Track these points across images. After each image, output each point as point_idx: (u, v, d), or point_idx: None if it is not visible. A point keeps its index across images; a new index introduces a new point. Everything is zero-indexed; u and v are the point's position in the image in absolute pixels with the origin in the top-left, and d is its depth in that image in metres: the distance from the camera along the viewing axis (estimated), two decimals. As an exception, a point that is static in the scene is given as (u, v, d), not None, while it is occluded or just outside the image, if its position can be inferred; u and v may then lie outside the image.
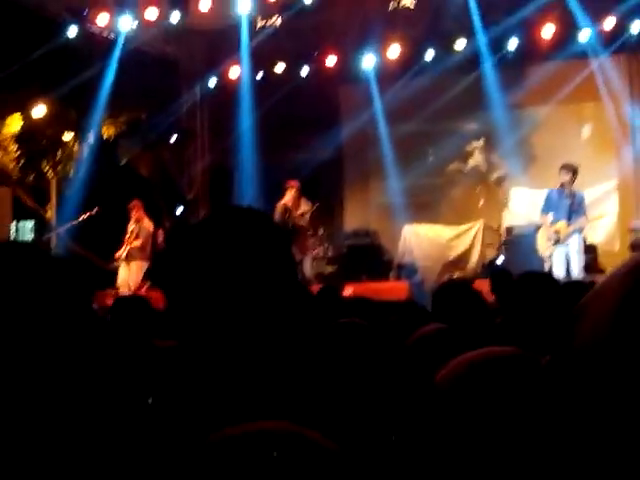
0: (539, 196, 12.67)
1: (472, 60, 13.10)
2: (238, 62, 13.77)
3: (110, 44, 12.73)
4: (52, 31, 12.08)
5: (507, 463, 1.07)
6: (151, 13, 12.22)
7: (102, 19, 12.47)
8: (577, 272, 9.81)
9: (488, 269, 11.20)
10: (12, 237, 12.47)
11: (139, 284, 11.17)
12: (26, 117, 12.81)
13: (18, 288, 1.26)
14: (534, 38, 12.77)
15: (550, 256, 10.04)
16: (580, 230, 10.06)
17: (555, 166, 10.98)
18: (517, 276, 5.02)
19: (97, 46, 12.68)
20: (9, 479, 1.13)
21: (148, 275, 11.26)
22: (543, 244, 10.20)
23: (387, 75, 13.54)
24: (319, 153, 13.65)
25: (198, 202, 14.49)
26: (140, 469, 1.22)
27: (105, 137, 13.62)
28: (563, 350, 0.66)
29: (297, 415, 1.08)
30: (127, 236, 11.63)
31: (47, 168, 13.16)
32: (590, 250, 11.08)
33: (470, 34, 12.75)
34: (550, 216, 10.13)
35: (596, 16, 12.34)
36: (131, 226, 11.70)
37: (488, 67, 13.12)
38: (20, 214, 13.26)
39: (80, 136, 13.27)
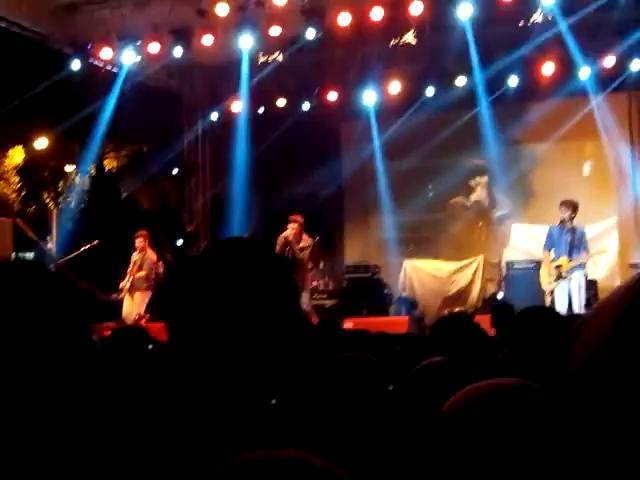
0: (539, 231, 12.72)
1: (472, 97, 13.20)
2: (240, 97, 13.88)
3: (113, 78, 12.85)
4: (55, 64, 12.21)
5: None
6: (154, 47, 12.36)
7: (105, 53, 12.60)
8: (579, 308, 9.80)
9: (488, 304, 11.18)
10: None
11: (140, 315, 11.13)
12: (28, 149, 12.89)
13: (21, 305, 1.25)
14: (534, 76, 12.88)
15: (552, 292, 10.07)
16: (582, 266, 10.09)
17: (555, 202, 11.04)
18: (519, 311, 5.01)
19: (100, 80, 12.80)
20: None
21: (150, 307, 11.23)
22: (545, 280, 10.26)
23: (388, 111, 13.64)
24: (320, 188, 13.71)
25: (199, 235, 14.51)
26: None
27: (107, 169, 13.70)
28: (557, 375, 0.65)
29: (299, 445, 1.06)
30: (130, 267, 11.61)
31: (48, 200, 13.20)
32: (591, 286, 11.08)
33: (470, 71, 12.86)
34: (552, 252, 10.20)
35: (596, 54, 12.46)
36: (134, 257, 11.69)
37: (488, 104, 13.22)
38: (21, 245, 13.27)
39: (82, 168, 13.34)
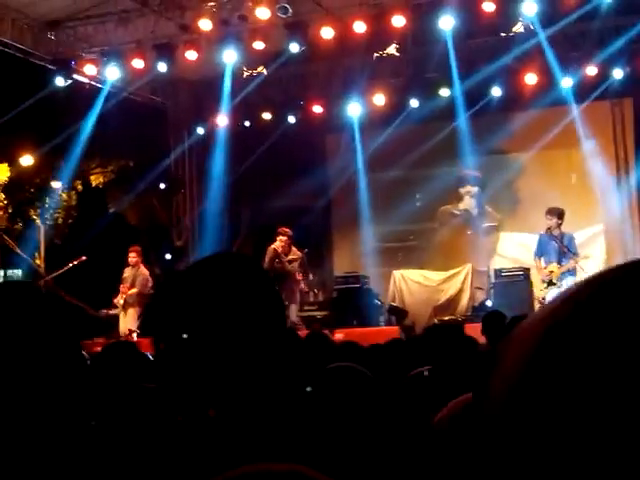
0: (527, 239, 12.78)
1: (457, 107, 13.27)
2: (225, 111, 13.90)
3: (97, 94, 12.84)
4: (39, 81, 12.19)
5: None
6: (138, 63, 12.36)
7: (89, 69, 12.59)
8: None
9: (478, 312, 11.21)
10: None
11: (131, 330, 11.08)
12: (13, 166, 12.85)
13: (11, 325, 1.26)
14: (517, 86, 12.96)
15: (544, 298, 10.15)
16: (573, 272, 10.17)
17: (540, 210, 11.12)
18: (509, 319, 5.05)
19: (84, 96, 12.79)
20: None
21: (140, 324, 11.17)
22: (538, 286, 10.38)
23: (373, 123, 13.69)
24: (307, 199, 13.72)
25: (187, 249, 14.48)
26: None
27: (94, 185, 13.67)
28: (479, 398, 0.58)
29: (289, 458, 1.07)
30: (122, 283, 11.55)
31: (35, 216, 13.15)
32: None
33: (453, 82, 12.92)
34: (543, 259, 10.33)
35: (578, 63, 12.56)
36: (126, 273, 11.64)
37: (471, 114, 13.29)
38: (8, 263, 13.20)
39: (68, 184, 13.30)
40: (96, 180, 13.68)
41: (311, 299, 12.79)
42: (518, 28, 12.27)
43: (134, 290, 11.39)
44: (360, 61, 13.02)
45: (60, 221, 13.54)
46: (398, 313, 12.13)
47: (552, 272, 10.21)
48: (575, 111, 13.09)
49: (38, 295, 1.35)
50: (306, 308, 12.32)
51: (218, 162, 13.99)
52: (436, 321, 11.07)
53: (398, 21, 11.40)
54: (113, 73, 12.51)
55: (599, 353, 0.50)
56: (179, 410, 1.35)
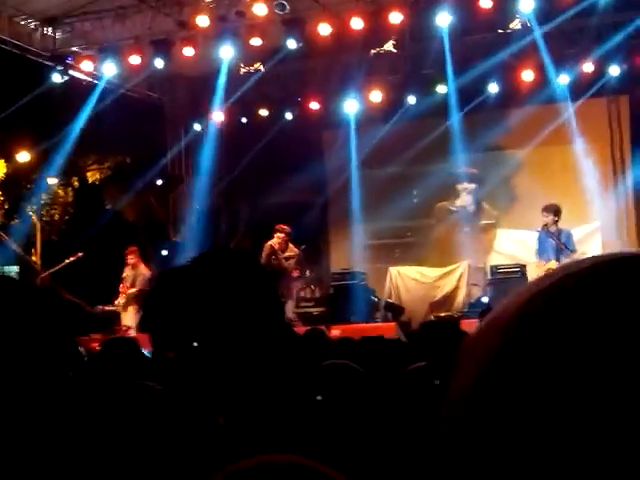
0: (524, 236, 12.79)
1: (454, 104, 13.28)
2: (222, 107, 13.90)
3: (94, 90, 12.83)
4: (36, 77, 12.17)
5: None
6: (135, 59, 12.35)
7: (86, 66, 12.58)
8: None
9: (474, 308, 11.23)
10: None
11: (127, 327, 11.09)
12: (10, 162, 12.83)
13: (6, 322, 1.27)
14: (514, 82, 12.97)
15: None
16: None
17: (537, 207, 11.13)
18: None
19: (81, 92, 12.77)
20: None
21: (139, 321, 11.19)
22: None
23: (370, 119, 13.69)
24: (304, 196, 13.73)
25: (184, 245, 14.47)
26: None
27: (91, 182, 13.65)
28: (442, 402, 0.56)
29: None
30: (122, 283, 11.57)
31: (31, 213, 13.14)
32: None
33: (450, 78, 12.92)
34: (543, 256, 10.34)
35: (575, 60, 12.56)
36: (126, 272, 11.64)
37: (468, 111, 13.30)
38: (4, 259, 13.19)
39: (65, 181, 13.29)
40: (93, 176, 13.67)
41: (307, 295, 12.80)
42: (515, 25, 12.28)
43: (133, 290, 11.41)
44: (357, 57, 13.02)
45: (56, 217, 13.54)
46: (394, 310, 12.14)
47: (550, 268, 10.22)
48: (572, 108, 13.10)
49: (32, 292, 1.35)
50: (302, 304, 12.33)
51: (215, 158, 13.98)
52: (432, 317, 11.08)
53: (395, 18, 11.40)
54: (110, 69, 12.50)
55: (569, 351, 0.49)
56: (187, 414, 1.35)
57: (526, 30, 12.08)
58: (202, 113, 14.10)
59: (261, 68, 13.27)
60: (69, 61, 12.48)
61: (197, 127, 14.34)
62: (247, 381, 1.36)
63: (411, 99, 13.41)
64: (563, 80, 12.80)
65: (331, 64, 13.50)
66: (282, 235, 11.32)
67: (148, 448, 1.36)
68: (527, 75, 12.81)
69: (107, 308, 11.87)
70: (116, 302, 11.61)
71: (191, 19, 11.73)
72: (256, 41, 11.90)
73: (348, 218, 14.35)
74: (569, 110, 13.11)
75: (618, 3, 11.47)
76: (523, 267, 11.65)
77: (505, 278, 11.67)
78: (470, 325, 6.17)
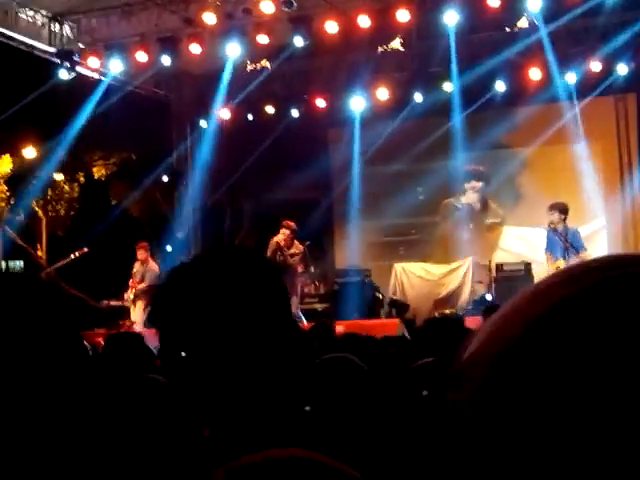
0: (529, 233, 12.77)
1: (459, 102, 13.27)
2: (227, 104, 13.91)
3: (101, 87, 12.85)
4: (43, 74, 12.20)
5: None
6: (141, 56, 12.36)
7: (93, 62, 12.59)
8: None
9: (478, 305, 11.22)
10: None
11: (133, 322, 11.12)
12: (16, 158, 12.86)
13: (10, 316, 1.27)
14: (521, 80, 12.94)
15: None
16: None
17: (543, 205, 11.10)
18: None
19: (87, 89, 12.80)
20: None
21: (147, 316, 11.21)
22: None
23: (376, 116, 13.69)
24: (310, 192, 13.74)
25: (189, 242, 14.50)
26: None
27: (96, 177, 13.68)
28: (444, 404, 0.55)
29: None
30: (132, 279, 11.61)
31: (37, 208, 13.18)
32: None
33: (457, 76, 12.91)
34: (551, 255, 10.31)
35: (582, 58, 12.53)
36: (136, 267, 11.67)
37: (475, 109, 13.28)
38: (10, 254, 13.23)
39: (70, 176, 13.32)
40: (98, 172, 13.70)
41: (312, 292, 12.81)
42: (523, 23, 12.26)
43: (143, 285, 11.43)
44: (364, 55, 13.01)
45: (62, 213, 13.57)
46: (399, 306, 12.14)
47: (558, 267, 10.20)
48: (579, 106, 13.08)
49: (38, 286, 1.36)
50: (307, 300, 12.33)
51: (220, 155, 13.99)
52: (437, 314, 11.07)
53: (402, 15, 11.38)
54: (117, 66, 12.52)
55: (577, 356, 0.49)
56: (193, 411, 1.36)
57: (533, 29, 12.06)
58: (208, 110, 14.11)
59: (267, 65, 13.27)
60: (75, 58, 12.50)
61: (203, 124, 14.35)
62: (254, 377, 1.36)
63: (417, 97, 13.40)
64: (570, 79, 12.78)
65: (338, 62, 13.50)
66: (287, 231, 11.33)
67: (153, 440, 1.36)
68: (534, 73, 12.79)
69: (112, 303, 11.90)
70: (125, 297, 11.64)
71: (198, 16, 11.73)
72: (263, 38, 11.89)
73: (353, 215, 14.35)
74: (576, 109, 13.09)
75: (625, 2, 11.45)
76: (528, 265, 11.64)
77: (510, 276, 11.66)
78: (474, 322, 6.17)
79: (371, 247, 14.41)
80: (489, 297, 11.53)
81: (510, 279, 11.51)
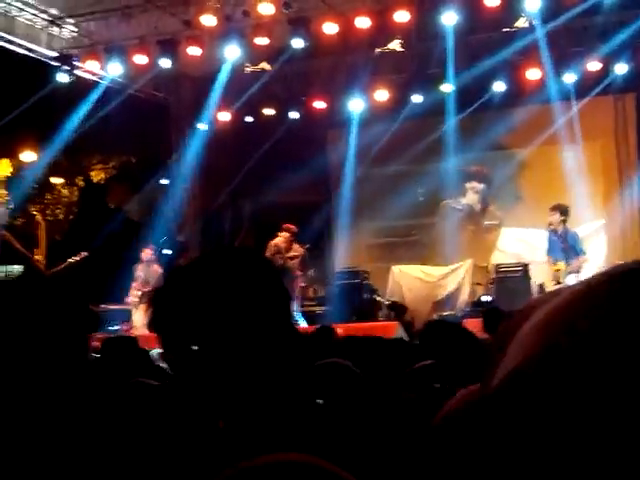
0: (528, 235, 12.76)
1: (458, 102, 13.27)
2: (227, 107, 13.91)
3: (99, 90, 12.85)
4: (42, 77, 12.20)
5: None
6: (141, 59, 12.36)
7: (92, 65, 12.59)
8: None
9: (477, 307, 11.21)
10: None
11: (130, 326, 11.09)
12: (15, 162, 12.86)
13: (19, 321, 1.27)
14: (519, 81, 12.95)
15: None
16: (577, 270, 10.14)
17: (541, 206, 11.11)
18: (505, 314, 5.07)
19: (87, 92, 12.79)
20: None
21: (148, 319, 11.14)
22: (549, 284, 10.40)
23: (375, 117, 13.69)
24: (308, 195, 13.74)
25: (188, 244, 14.49)
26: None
27: (95, 181, 13.68)
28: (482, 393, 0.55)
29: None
30: (136, 281, 11.56)
31: (36, 212, 13.17)
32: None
33: (455, 77, 12.91)
34: (552, 256, 10.32)
35: (581, 58, 12.53)
36: (140, 270, 11.64)
37: (473, 109, 13.28)
38: (8, 258, 13.21)
39: (69, 180, 13.32)
40: (97, 176, 13.70)
41: (311, 294, 12.80)
42: (521, 23, 12.26)
43: (148, 287, 11.41)
44: (363, 57, 13.02)
45: (61, 217, 13.56)
46: (397, 309, 12.13)
47: (559, 270, 10.19)
48: (577, 106, 13.08)
49: (49, 290, 1.36)
50: (306, 303, 12.32)
51: (220, 158, 13.99)
52: (435, 316, 11.06)
53: (401, 16, 11.39)
54: (116, 69, 12.51)
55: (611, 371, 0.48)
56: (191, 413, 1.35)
57: (532, 29, 12.07)
58: (208, 113, 14.11)
59: (267, 67, 13.27)
60: (75, 61, 12.49)
61: (202, 127, 14.34)
62: (254, 380, 1.35)
63: (416, 98, 13.40)
64: (569, 78, 12.78)
65: (337, 63, 13.51)
66: (287, 234, 11.32)
67: (148, 446, 1.35)
68: (533, 74, 12.79)
69: (111, 307, 11.88)
70: (127, 300, 11.60)
71: (197, 19, 11.73)
72: (262, 40, 11.89)
73: (352, 217, 14.36)
74: (575, 109, 13.09)
75: (624, 1, 11.45)
76: (526, 266, 11.64)
77: (508, 277, 11.66)
78: (473, 324, 6.14)
79: (369, 249, 14.42)
80: (487, 299, 11.52)
81: (508, 280, 11.52)
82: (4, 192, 12.84)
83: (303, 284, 12.06)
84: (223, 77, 13.11)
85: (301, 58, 12.68)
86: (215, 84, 13.44)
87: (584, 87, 12.83)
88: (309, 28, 11.59)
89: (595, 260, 12.55)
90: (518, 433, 0.49)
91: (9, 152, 12.85)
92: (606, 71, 12.59)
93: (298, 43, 11.69)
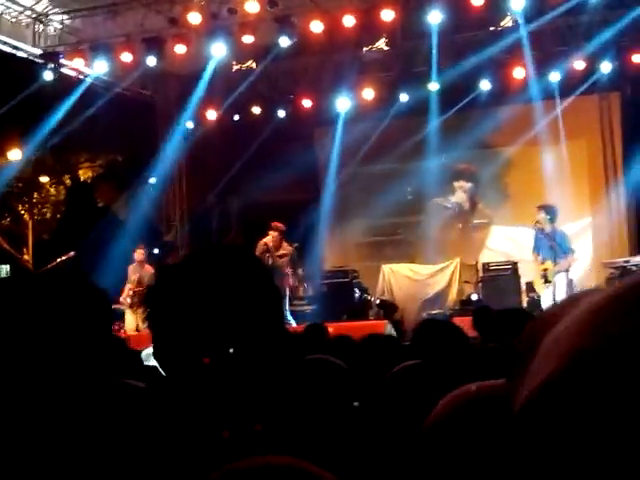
0: (517, 233, 12.82)
1: (444, 101, 13.31)
2: (214, 105, 13.88)
3: (85, 88, 12.78)
4: (27, 75, 12.12)
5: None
6: (126, 57, 12.30)
7: (77, 63, 12.53)
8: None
9: (465, 305, 11.26)
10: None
11: (120, 326, 11.03)
12: (1, 160, 12.78)
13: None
14: (505, 79, 12.99)
15: (539, 296, 10.30)
16: (565, 269, 10.20)
17: (528, 204, 11.17)
18: (495, 313, 5.10)
19: (72, 90, 12.72)
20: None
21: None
22: (538, 282, 10.44)
23: (361, 116, 13.71)
24: (296, 193, 13.73)
25: (176, 244, 14.46)
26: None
27: (82, 180, 13.62)
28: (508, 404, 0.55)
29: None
30: (130, 282, 11.48)
31: (23, 211, 13.10)
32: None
33: (441, 76, 12.94)
34: (539, 255, 10.37)
35: (567, 57, 12.59)
36: (133, 270, 11.58)
37: (460, 108, 13.32)
38: (-4, 258, 13.15)
39: (56, 179, 13.25)
40: (85, 175, 13.64)
41: (300, 293, 12.80)
42: (507, 22, 12.31)
43: (140, 288, 11.35)
44: (349, 55, 13.03)
45: (48, 216, 13.49)
46: (387, 307, 12.15)
47: (546, 269, 10.25)
48: (563, 105, 13.14)
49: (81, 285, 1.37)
50: (295, 302, 12.32)
51: (207, 156, 13.96)
52: (425, 315, 11.09)
53: (387, 15, 11.40)
54: (101, 67, 12.45)
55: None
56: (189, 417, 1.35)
57: (517, 28, 12.11)
58: (194, 111, 14.07)
59: (253, 66, 13.25)
60: (60, 59, 12.42)
61: (189, 125, 14.30)
62: (247, 377, 1.36)
63: (403, 97, 13.43)
64: (554, 77, 12.84)
65: (323, 61, 13.51)
66: (276, 233, 11.31)
67: (136, 449, 1.36)
68: (518, 72, 12.84)
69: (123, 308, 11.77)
70: (121, 300, 11.54)
71: (182, 16, 11.70)
72: (248, 38, 11.87)
73: (340, 215, 14.37)
74: (560, 107, 13.16)
75: (609, 0, 11.51)
76: (514, 264, 11.70)
77: (496, 275, 11.72)
78: (462, 322, 6.17)
79: (359, 247, 14.44)
80: (475, 297, 11.57)
81: (497, 278, 11.58)
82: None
83: (292, 283, 12.05)
84: (207, 75, 13.07)
85: (288, 56, 12.67)
86: (201, 82, 13.39)
87: (569, 86, 12.89)
88: (295, 26, 11.58)
89: (582, 258, 12.65)
90: (557, 441, 0.49)
91: (-5, 151, 12.77)
92: (591, 70, 12.65)
93: (285, 41, 11.68)
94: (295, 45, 11.91)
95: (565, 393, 0.50)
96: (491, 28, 12.60)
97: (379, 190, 13.79)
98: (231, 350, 1.31)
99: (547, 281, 10.15)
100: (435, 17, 11.38)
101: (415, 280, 12.86)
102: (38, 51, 12.41)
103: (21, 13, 12.11)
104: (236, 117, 14.22)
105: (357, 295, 12.24)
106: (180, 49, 12.14)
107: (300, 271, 12.55)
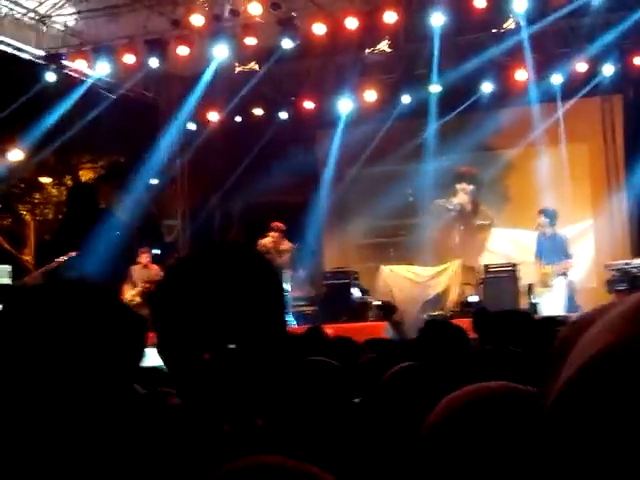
0: (516, 236, 12.81)
1: (448, 103, 13.31)
2: (216, 107, 13.89)
3: (88, 89, 12.80)
4: (30, 77, 12.14)
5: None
6: (129, 58, 12.32)
7: (80, 65, 12.54)
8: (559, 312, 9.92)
9: (466, 307, 11.25)
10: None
11: None
12: (2, 161, 12.80)
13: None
14: (507, 81, 12.99)
15: (542, 296, 10.32)
16: (563, 273, 10.20)
17: (529, 206, 11.18)
18: (492, 314, 5.10)
19: (75, 92, 12.74)
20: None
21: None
22: (538, 285, 10.49)
23: (363, 117, 13.71)
24: (297, 195, 13.74)
25: (177, 245, 14.47)
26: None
27: (84, 181, 13.63)
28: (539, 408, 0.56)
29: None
30: (136, 283, 11.45)
31: (24, 211, 13.11)
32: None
33: (443, 78, 12.94)
34: (541, 259, 10.39)
35: (569, 59, 12.59)
36: (139, 272, 11.57)
37: (462, 110, 13.32)
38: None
39: (58, 180, 13.26)
40: (86, 176, 13.65)
41: (300, 294, 12.80)
42: (509, 24, 12.30)
43: (151, 286, 11.34)
44: (352, 57, 13.04)
45: (50, 216, 13.50)
46: (387, 309, 12.14)
47: (546, 273, 10.27)
48: (565, 107, 13.13)
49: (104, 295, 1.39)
50: (295, 304, 12.32)
51: (209, 158, 13.97)
52: (425, 317, 11.08)
53: (390, 17, 11.41)
54: (104, 68, 12.47)
55: None
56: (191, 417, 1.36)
57: (519, 30, 12.11)
58: (197, 112, 14.08)
59: (256, 68, 13.27)
60: (63, 60, 12.44)
61: (192, 126, 14.31)
62: (251, 377, 1.36)
63: (405, 98, 13.44)
64: (556, 80, 12.84)
65: (326, 63, 13.52)
66: (276, 234, 11.33)
67: (138, 443, 1.36)
68: (520, 75, 12.84)
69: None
70: (128, 299, 11.51)
71: (185, 18, 11.71)
72: (251, 40, 11.88)
73: (341, 216, 14.37)
74: (562, 110, 13.15)
75: (611, 2, 11.50)
76: (514, 266, 11.69)
77: (497, 277, 11.70)
78: (461, 324, 6.17)
79: (359, 249, 14.43)
80: (475, 299, 11.56)
81: (497, 280, 11.57)
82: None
83: (294, 284, 12.05)
84: (208, 76, 13.08)
85: (290, 58, 12.68)
86: (203, 83, 13.40)
87: (571, 88, 12.89)
88: (298, 28, 11.59)
89: (583, 260, 12.64)
90: (583, 437, 0.50)
91: (-3, 152, 12.79)
92: (593, 72, 12.65)
93: (287, 43, 11.69)
94: (298, 47, 11.92)
95: (592, 389, 0.50)
96: (493, 30, 12.58)
97: (380, 192, 13.78)
98: (232, 346, 1.31)
99: (546, 285, 10.17)
100: (437, 19, 11.38)
101: (416, 282, 12.86)
102: (41, 52, 12.43)
103: (24, 15, 12.12)
104: (238, 119, 14.23)
105: (357, 296, 12.23)
106: (183, 51, 12.15)
107: (301, 272, 12.55)
